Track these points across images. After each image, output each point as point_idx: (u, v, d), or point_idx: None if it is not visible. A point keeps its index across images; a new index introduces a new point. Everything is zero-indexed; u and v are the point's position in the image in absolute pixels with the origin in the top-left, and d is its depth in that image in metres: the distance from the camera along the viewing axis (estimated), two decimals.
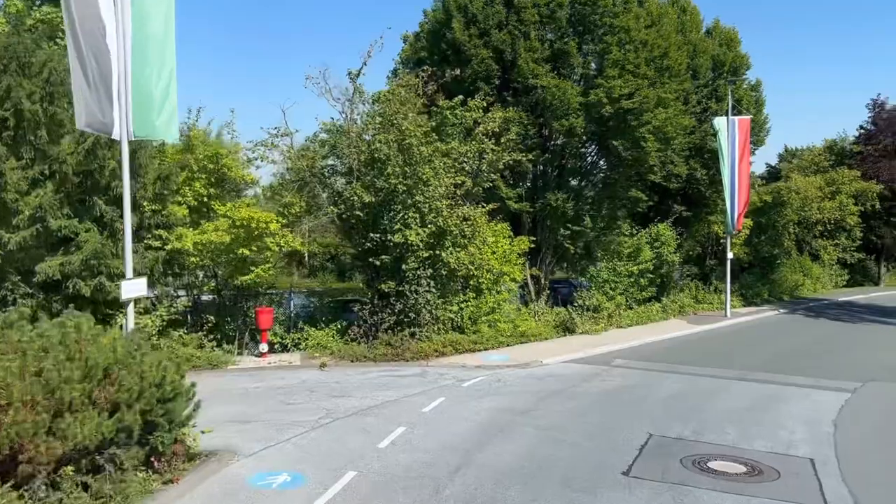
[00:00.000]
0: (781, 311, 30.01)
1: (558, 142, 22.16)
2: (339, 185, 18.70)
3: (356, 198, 17.42)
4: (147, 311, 16.17)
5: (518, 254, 21.66)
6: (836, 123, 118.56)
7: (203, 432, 9.18)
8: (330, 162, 19.12)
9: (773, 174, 51.34)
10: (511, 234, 21.75)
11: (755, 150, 29.46)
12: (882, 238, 44.84)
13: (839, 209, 40.83)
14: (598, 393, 13.90)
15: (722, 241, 33.66)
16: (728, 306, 27.06)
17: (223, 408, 12.07)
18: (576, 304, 23.34)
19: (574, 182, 24.09)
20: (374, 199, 17.51)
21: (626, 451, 9.95)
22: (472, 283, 19.97)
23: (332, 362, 16.70)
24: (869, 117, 45.42)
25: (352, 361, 16.76)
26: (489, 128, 19.36)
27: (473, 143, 19.47)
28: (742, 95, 28.60)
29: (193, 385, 8.82)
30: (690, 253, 33.65)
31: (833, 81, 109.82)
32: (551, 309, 23.83)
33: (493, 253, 20.81)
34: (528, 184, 23.67)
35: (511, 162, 19.99)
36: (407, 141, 16.99)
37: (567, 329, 21.80)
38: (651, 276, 26.77)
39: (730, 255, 27.05)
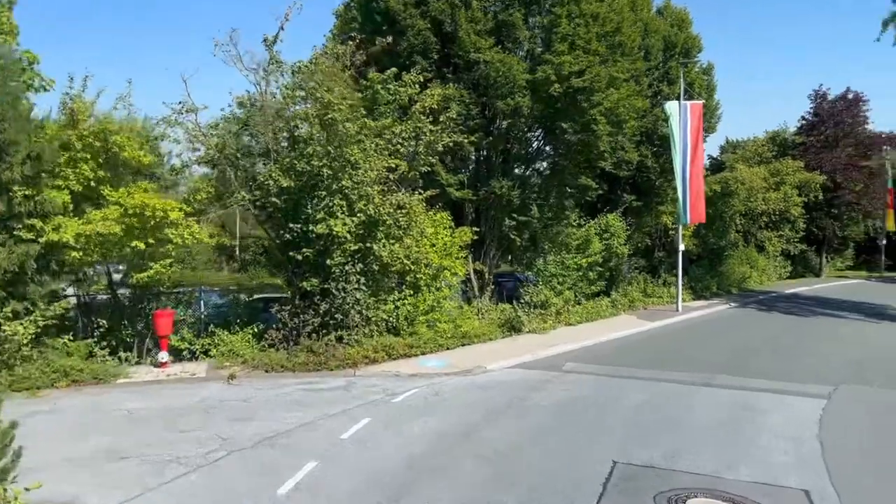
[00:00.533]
0: (732, 304, 29.00)
1: (503, 123, 20.19)
2: (256, 168, 16.28)
3: (272, 182, 15.08)
4: (17, 316, 13.51)
5: (460, 246, 19.69)
6: (778, 115, 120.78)
7: (27, 489, 6.79)
8: (246, 141, 16.67)
9: (715, 166, 50.94)
10: (452, 224, 19.76)
11: (706, 137, 28.32)
12: (824, 229, 44.82)
13: (784, 200, 40.41)
14: (550, 406, 12.02)
15: (671, 232, 32.56)
16: (679, 300, 25.78)
17: (91, 440, 9.69)
18: (522, 301, 21.57)
19: (520, 169, 22.23)
20: (293, 184, 15.21)
21: (589, 488, 8.08)
22: (408, 279, 17.91)
23: (244, 373, 14.39)
24: (811, 108, 45.34)
25: (266, 371, 14.45)
26: (427, 105, 17.27)
27: (409, 122, 17.36)
28: (694, 79, 27.33)
29: (12, 426, 6.45)
30: (639, 245, 32.39)
31: (780, 71, 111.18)
32: (496, 306, 22.00)
33: (433, 245, 18.79)
34: (471, 170, 21.71)
35: (451, 144, 17.96)
36: (330, 116, 14.74)
37: (513, 328, 19.98)
38: (600, 269, 25.26)
39: (681, 247, 25.76)
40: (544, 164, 22.90)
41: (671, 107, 24.91)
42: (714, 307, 27.71)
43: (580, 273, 24.19)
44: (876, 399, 13.23)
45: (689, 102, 25.30)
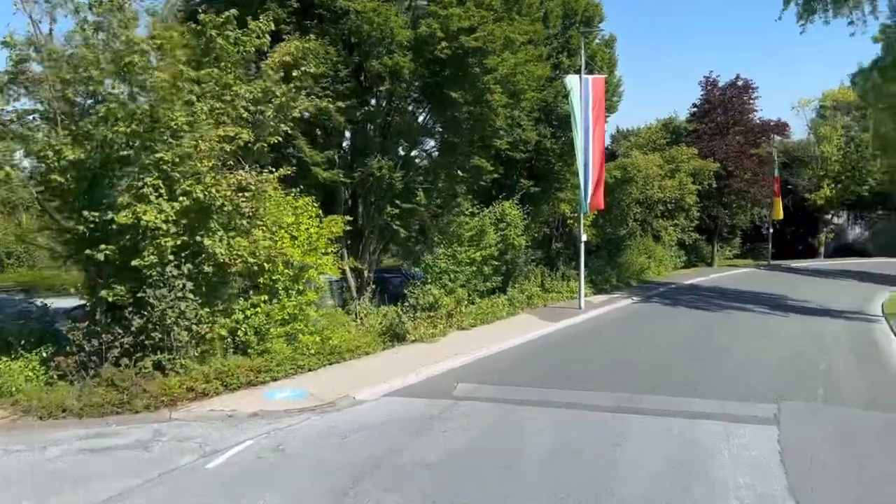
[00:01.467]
0: (635, 298, 26.98)
1: (381, 89, 16.63)
2: (39, 134, 11.88)
3: (51, 153, 10.86)
4: None
5: (330, 239, 16.04)
6: (673, 103, 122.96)
7: None
8: (23, 101, 12.21)
9: (608, 155, 49.68)
10: (320, 213, 16.05)
11: (607, 117, 26.05)
12: (716, 218, 44.39)
13: (679, 188, 39.31)
14: (438, 465, 8.64)
15: (569, 221, 30.27)
16: (582, 297, 23.31)
17: None
18: (407, 304, 18.26)
19: (404, 148, 18.79)
20: (84, 156, 11.04)
21: None
22: (262, 281, 14.13)
23: (10, 420, 10.19)
24: (702, 95, 44.70)
25: (42, 419, 10.28)
26: (277, 60, 13.46)
27: (258, 82, 13.50)
28: (595, 51, 24.92)
29: None
30: (536, 235, 29.89)
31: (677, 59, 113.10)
32: (378, 309, 18.58)
33: (294, 238, 15.05)
34: (345, 147, 18.07)
35: (315, 112, 14.30)
36: (128, 60, 10.70)
37: (396, 336, 16.58)
38: (496, 263, 22.35)
39: (583, 237, 23.27)
40: (432, 142, 19.65)
41: (572, 81, 22.29)
42: (617, 302, 25.52)
43: (474, 268, 21.16)
44: (828, 419, 10.87)
45: (590, 77, 22.78)
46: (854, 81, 55.44)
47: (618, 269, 31.52)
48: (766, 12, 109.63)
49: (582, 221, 23.17)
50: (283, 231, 14.59)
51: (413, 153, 18.66)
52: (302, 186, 15.64)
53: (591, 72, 23.31)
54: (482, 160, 18.67)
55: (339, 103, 15.20)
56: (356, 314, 17.87)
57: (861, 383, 13.43)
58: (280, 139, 13.67)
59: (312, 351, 13.96)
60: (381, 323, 17.06)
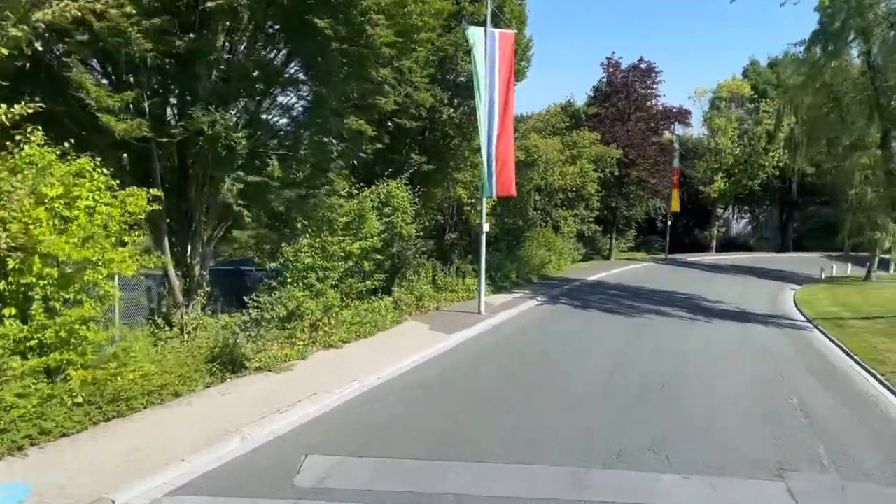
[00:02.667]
0: (539, 298, 23.25)
1: (209, 4, 11.44)
2: None
3: None
4: None
5: (129, 223, 10.79)
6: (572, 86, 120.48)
7: None
8: None
9: None
10: (116, 183, 10.73)
11: (515, 84, 21.92)
12: (615, 209, 41.90)
13: (580, 175, 36.22)
14: None
15: (466, 208, 26.14)
16: (482, 298, 19.19)
17: None
18: (251, 313, 13.35)
19: (252, 100, 13.62)
20: None
21: None
22: (3, 288, 8.83)
23: None
24: (603, 77, 41.97)
25: None
26: None
27: None
28: (503, 1, 20.74)
29: None
30: (428, 224, 25.58)
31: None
32: (217, 320, 13.54)
33: (66, 221, 9.77)
34: (155, 87, 12.64)
35: (87, 18, 9.08)
36: None
37: (232, 363, 11.64)
38: (379, 257, 17.77)
39: (485, 227, 19.13)
40: (294, 97, 14.62)
41: (475, 34, 17.98)
42: (521, 304, 21.64)
43: (350, 264, 16.46)
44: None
45: (497, 31, 18.58)
46: (746, 74, 55.08)
47: (518, 264, 27.81)
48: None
49: (484, 209, 18.98)
50: (41, 209, 9.30)
51: (265, 107, 13.54)
52: (96, 149, 10.31)
53: (497, 25, 19.08)
54: (359, 122, 13.87)
55: (130, 8, 9.97)
56: (181, 329, 12.78)
57: (857, 430, 10.01)
58: (23, 51, 8.36)
59: (76, 397, 8.83)
60: (212, 345, 12.02)
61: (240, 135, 12.17)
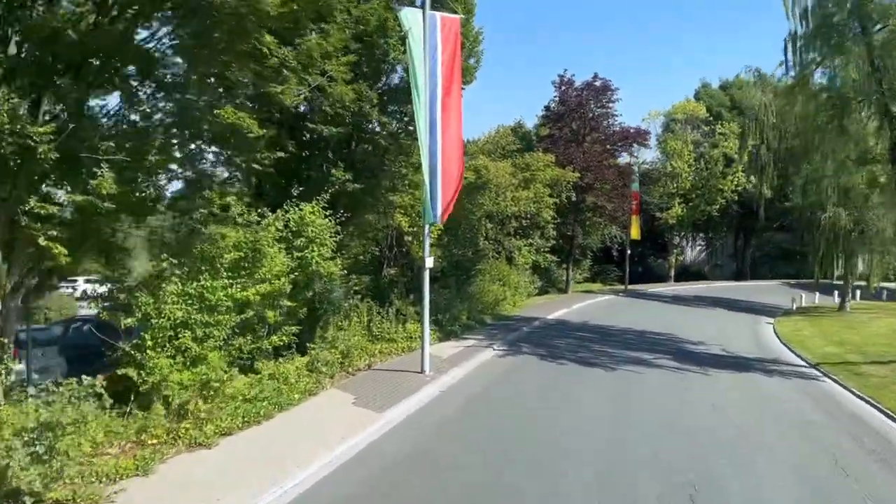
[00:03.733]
0: (497, 347, 19.18)
1: None
2: None
3: None
4: None
5: None
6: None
7: None
8: None
9: None
10: None
11: (463, 87, 17.98)
12: (571, 237, 38.42)
13: (535, 201, 32.61)
14: None
15: (407, 238, 22.02)
16: (426, 353, 14.96)
17: None
18: (74, 397, 8.85)
19: (67, 74, 9.13)
20: None
21: None
22: None
23: None
24: (556, 96, 38.77)
25: None
26: None
27: None
28: None
29: None
30: (360, 257, 21.36)
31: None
32: (26, 405, 8.95)
33: None
34: None
35: None
36: None
37: (13, 496, 7.13)
38: (288, 303, 13.44)
39: (429, 261, 14.97)
40: (162, 71, 10.19)
41: (411, 17, 14.04)
42: (475, 355, 17.51)
43: (244, 316, 12.09)
44: None
45: (439, 14, 14.70)
46: (698, 96, 53.02)
47: (469, 302, 23.77)
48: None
49: (427, 239, 14.85)
50: None
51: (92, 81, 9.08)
52: None
53: (440, 8, 15.20)
54: (241, 116, 9.59)
55: None
56: None
57: None
58: None
59: None
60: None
61: (41, 129, 7.78)
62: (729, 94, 53.77)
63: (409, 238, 22.25)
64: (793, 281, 56.08)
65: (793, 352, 20.87)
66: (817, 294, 39.70)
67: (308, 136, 13.96)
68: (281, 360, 13.57)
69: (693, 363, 17.87)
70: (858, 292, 42.29)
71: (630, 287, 43.43)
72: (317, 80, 11.88)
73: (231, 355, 11.96)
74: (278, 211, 13.31)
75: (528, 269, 33.67)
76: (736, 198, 48.85)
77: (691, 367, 17.21)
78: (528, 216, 32.30)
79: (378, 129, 15.20)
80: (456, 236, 25.84)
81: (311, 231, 13.65)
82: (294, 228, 13.65)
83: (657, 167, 51.71)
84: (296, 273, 13.26)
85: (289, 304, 13.26)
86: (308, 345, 14.02)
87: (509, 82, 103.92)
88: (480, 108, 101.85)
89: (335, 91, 12.61)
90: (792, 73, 33.08)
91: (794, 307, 35.16)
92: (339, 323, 18.16)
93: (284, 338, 13.36)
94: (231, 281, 11.62)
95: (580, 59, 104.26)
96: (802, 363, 18.89)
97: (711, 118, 50.29)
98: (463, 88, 17.84)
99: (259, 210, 13.42)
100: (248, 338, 12.64)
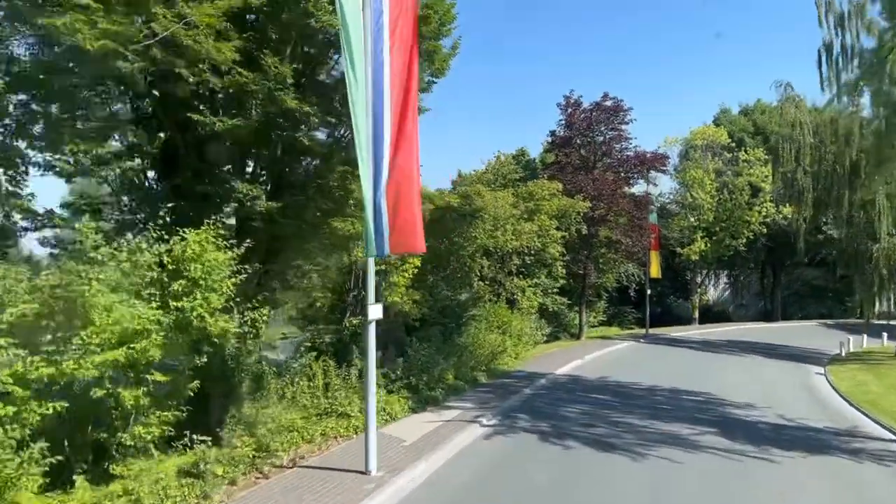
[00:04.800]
0: (488, 419, 14.52)
1: None
2: None
3: None
4: None
5: None
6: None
7: None
8: None
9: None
10: None
11: (431, 85, 13.69)
12: (583, 276, 33.85)
13: (540, 234, 28.23)
14: None
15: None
16: (372, 444, 10.36)
17: None
18: None
19: None
20: None
21: None
22: None
23: None
24: (562, 119, 34.64)
25: None
26: None
27: None
28: None
29: None
30: (323, 301, 17.01)
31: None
32: None
33: None
34: None
35: None
36: None
37: None
38: (161, 378, 9.00)
39: (374, 311, 10.48)
40: None
41: None
42: (454, 436, 12.86)
43: (99, 394, 7.70)
44: None
45: None
46: (718, 122, 48.86)
47: (458, 357, 19.24)
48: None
49: (372, 276, 10.44)
50: None
51: None
52: None
53: None
54: None
55: None
56: None
57: None
58: None
59: None
60: None
61: None
62: (751, 119, 49.60)
63: (380, 278, 17.88)
64: (830, 321, 51.04)
65: (869, 417, 16.25)
66: (865, 337, 34.81)
67: (203, 134, 9.71)
68: (167, 454, 9.16)
69: (748, 440, 13.25)
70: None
71: (651, 331, 38.61)
72: (169, 27, 7.66)
73: (45, 465, 7.53)
74: (137, 239, 8.99)
75: (534, 314, 29.09)
76: (764, 230, 44.18)
77: (748, 449, 12.59)
78: (533, 252, 27.88)
79: (297, 116, 10.72)
80: (444, 276, 21.47)
81: (199, 269, 9.29)
82: (173, 266, 9.30)
83: (676, 198, 47.34)
84: (169, 335, 8.86)
85: (160, 378, 8.83)
86: (196, 437, 9.53)
87: (512, 108, 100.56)
88: (478, 138, 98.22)
89: (202, 48, 8.37)
90: (827, 89, 29.12)
91: (844, 353, 30.33)
92: (283, 389, 13.86)
93: (154, 429, 8.90)
94: (49, 356, 7.26)
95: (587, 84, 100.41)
96: (892, 436, 14.26)
97: (734, 144, 46.00)
98: (435, 81, 13.67)
99: (126, 239, 9.15)
100: (90, 433, 8.25)
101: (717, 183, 44.93)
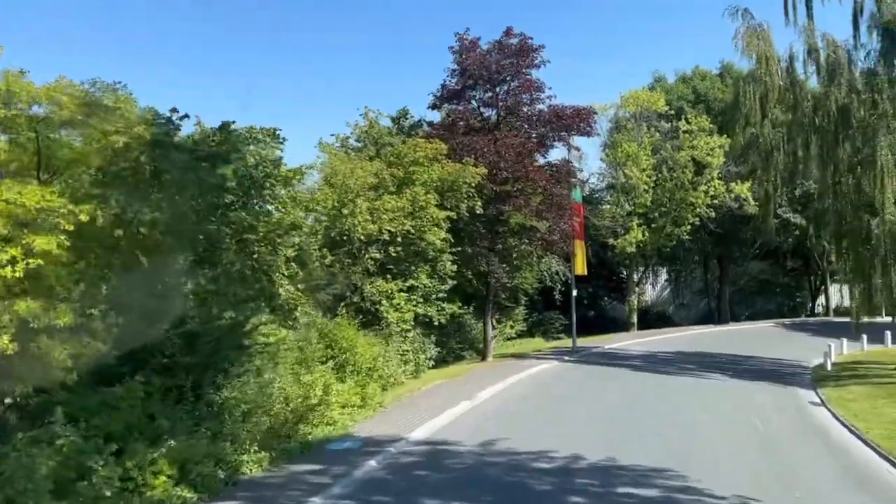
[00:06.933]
0: None
1: None
2: None
3: None
4: None
5: None
6: None
7: None
8: None
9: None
10: None
11: None
12: (487, 275, 24.87)
13: (413, 211, 19.16)
14: None
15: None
16: None
17: None
18: None
19: None
20: None
21: None
22: None
23: None
24: (454, 64, 25.61)
25: None
26: None
27: None
28: None
29: None
30: None
31: None
32: None
33: None
34: None
35: None
36: None
37: None
38: None
39: None
40: None
41: None
42: None
43: None
44: None
45: None
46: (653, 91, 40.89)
47: (208, 430, 9.80)
48: None
49: None
50: None
51: None
52: None
53: None
54: None
55: None
56: None
57: None
58: None
59: None
60: None
61: None
62: (691, 86, 42.12)
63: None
64: (787, 322, 43.96)
65: None
66: (844, 341, 27.49)
67: None
68: None
69: None
70: (889, 334, 30.26)
71: (580, 342, 29.98)
72: None
73: None
74: None
75: (408, 330, 19.84)
76: (712, 214, 36.38)
77: None
78: (400, 238, 18.79)
79: None
80: (214, 279, 11.96)
81: None
82: None
83: (607, 179, 39.28)
84: None
85: None
86: None
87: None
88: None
89: None
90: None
91: (828, 364, 22.65)
92: None
93: None
94: None
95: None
96: None
97: (672, 113, 38.18)
98: None
99: None
100: None
101: (655, 160, 36.93)
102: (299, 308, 13.59)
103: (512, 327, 34.21)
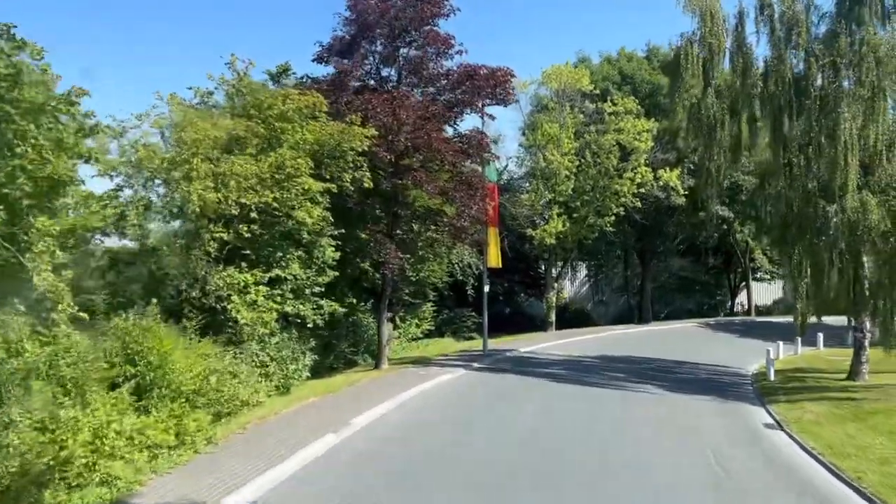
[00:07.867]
0: None
1: None
2: None
3: None
4: None
5: None
6: None
7: None
8: None
9: None
10: None
11: None
12: (384, 264, 20.50)
13: (279, 179, 14.60)
14: None
15: None
16: None
17: None
18: None
19: None
20: None
21: None
22: None
23: None
24: (347, 10, 21.05)
25: None
26: None
27: None
28: None
29: None
30: None
31: None
32: None
33: None
34: None
35: None
36: None
37: None
38: None
39: None
40: None
41: None
42: None
43: None
44: None
45: None
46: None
47: None
48: None
49: None
50: None
51: None
52: None
53: None
54: None
55: None
56: None
57: None
58: None
59: None
60: None
61: None
62: (617, 67, 39.09)
63: None
64: (711, 321, 41.73)
65: None
66: (780, 344, 24.94)
67: None
68: None
69: None
70: (821, 336, 28.13)
71: (493, 343, 26.12)
72: None
73: None
74: None
75: (267, 334, 15.24)
76: (638, 203, 33.30)
77: None
78: (267, 215, 14.21)
79: None
80: None
81: None
82: None
83: (525, 164, 35.69)
84: None
85: None
86: None
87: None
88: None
89: None
90: None
91: (771, 373, 19.71)
92: None
93: None
94: None
95: None
96: None
97: (597, 93, 34.92)
98: None
99: None
100: None
101: (578, 143, 33.54)
102: (61, 305, 8.87)
103: (418, 326, 30.10)
